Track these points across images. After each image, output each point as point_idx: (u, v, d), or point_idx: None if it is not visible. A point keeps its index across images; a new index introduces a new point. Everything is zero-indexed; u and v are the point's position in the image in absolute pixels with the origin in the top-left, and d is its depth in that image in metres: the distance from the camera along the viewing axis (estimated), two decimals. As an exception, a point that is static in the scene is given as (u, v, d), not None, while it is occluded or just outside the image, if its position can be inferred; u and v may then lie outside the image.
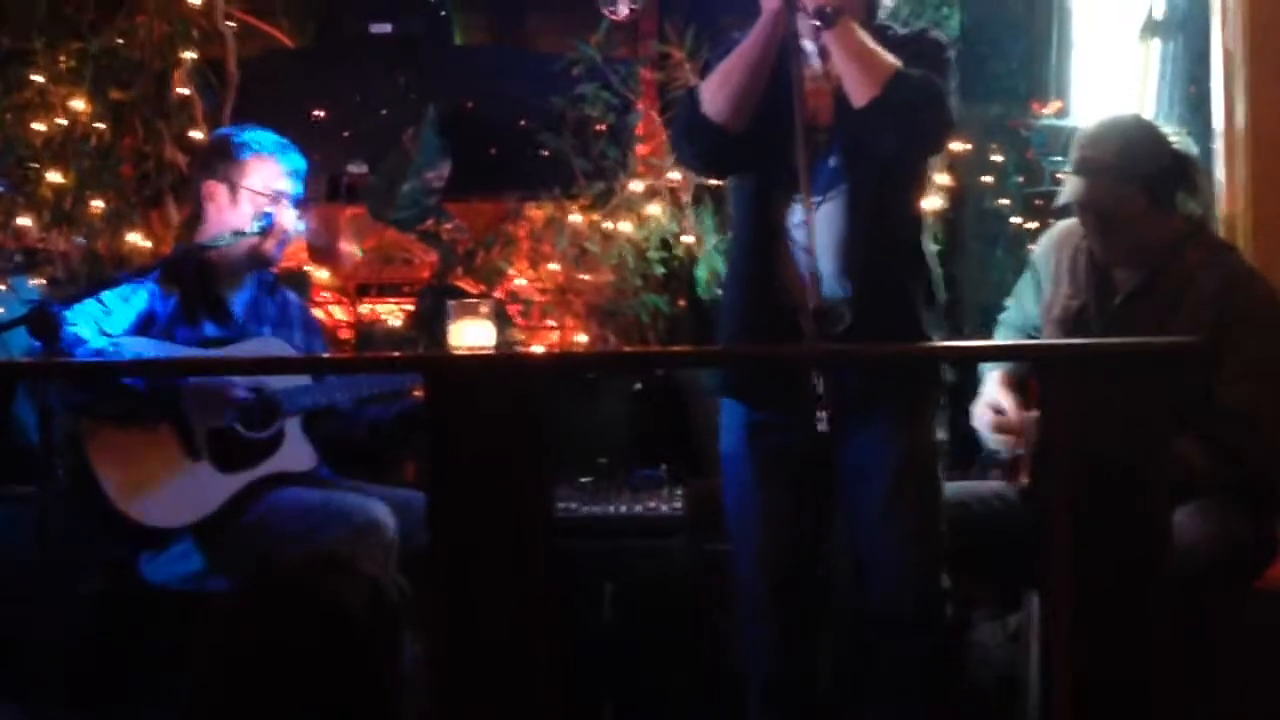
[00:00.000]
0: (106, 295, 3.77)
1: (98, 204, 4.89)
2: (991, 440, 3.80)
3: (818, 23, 3.25)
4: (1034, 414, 3.68)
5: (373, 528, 3.60)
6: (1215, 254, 3.73)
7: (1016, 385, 3.81)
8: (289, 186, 3.97)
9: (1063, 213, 3.89)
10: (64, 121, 4.88)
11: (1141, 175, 3.65)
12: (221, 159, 3.99)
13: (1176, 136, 4.35)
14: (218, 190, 3.96)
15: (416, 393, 3.92)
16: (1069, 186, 3.74)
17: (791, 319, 3.33)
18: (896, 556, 3.38)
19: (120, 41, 4.93)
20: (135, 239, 4.88)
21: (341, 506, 3.70)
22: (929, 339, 3.42)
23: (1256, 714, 3.64)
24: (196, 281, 3.91)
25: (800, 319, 3.31)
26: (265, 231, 3.88)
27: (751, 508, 3.49)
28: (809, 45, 3.37)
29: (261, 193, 3.92)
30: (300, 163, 4.02)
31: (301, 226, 4.06)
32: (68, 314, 3.61)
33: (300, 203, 4.02)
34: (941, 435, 3.50)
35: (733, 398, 3.52)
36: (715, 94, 3.36)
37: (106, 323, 3.73)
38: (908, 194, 3.48)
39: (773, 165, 3.36)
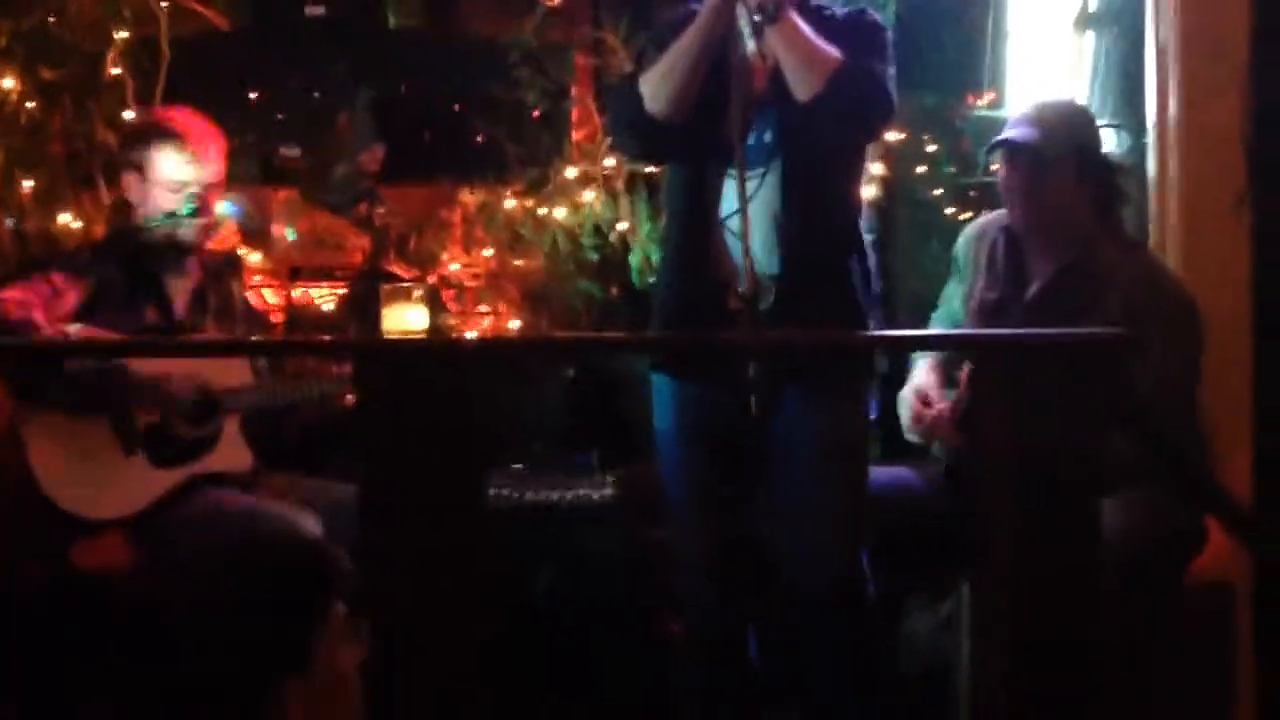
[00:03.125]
0: (56, 276, 3.73)
1: (27, 183, 4.83)
2: (909, 432, 3.86)
3: (759, 18, 3.22)
4: (947, 406, 3.74)
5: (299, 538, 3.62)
6: (1127, 251, 3.78)
7: (945, 373, 3.85)
8: (195, 173, 3.89)
9: (995, 202, 3.91)
10: (-7, 100, 4.83)
11: (1076, 143, 3.71)
12: (129, 146, 3.99)
13: (1109, 129, 4.40)
14: (130, 180, 3.93)
15: (350, 397, 3.90)
16: (1010, 130, 3.77)
17: (721, 296, 3.34)
18: (813, 531, 3.37)
19: (52, 20, 4.87)
20: (66, 219, 4.83)
21: (268, 517, 3.70)
22: (862, 316, 3.43)
23: (1185, 704, 3.68)
24: (136, 267, 3.88)
25: (728, 296, 3.32)
26: (196, 213, 3.84)
27: (686, 482, 3.50)
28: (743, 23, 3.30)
29: (170, 178, 3.87)
30: (210, 143, 3.94)
31: (226, 210, 4.00)
32: (18, 294, 3.59)
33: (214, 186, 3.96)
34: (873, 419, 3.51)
35: (666, 372, 3.51)
36: (658, 90, 3.34)
37: (56, 305, 3.69)
38: (841, 172, 3.48)
39: (707, 143, 3.36)
